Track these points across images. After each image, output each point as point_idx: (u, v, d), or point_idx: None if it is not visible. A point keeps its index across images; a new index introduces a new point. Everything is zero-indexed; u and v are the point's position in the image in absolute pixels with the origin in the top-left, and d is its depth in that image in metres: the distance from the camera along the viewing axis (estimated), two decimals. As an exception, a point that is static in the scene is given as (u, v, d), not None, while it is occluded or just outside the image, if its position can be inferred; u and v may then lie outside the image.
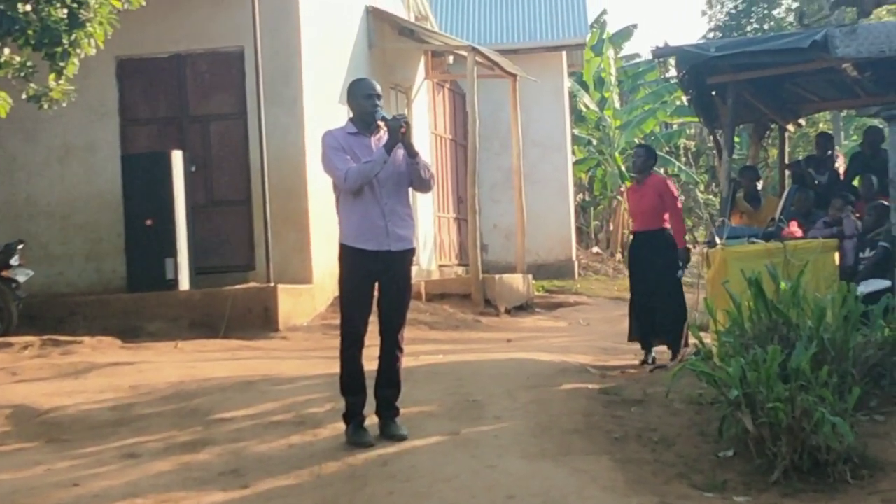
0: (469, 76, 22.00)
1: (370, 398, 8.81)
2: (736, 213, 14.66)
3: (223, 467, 8.30)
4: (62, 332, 15.69)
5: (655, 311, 12.82)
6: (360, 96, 8.76)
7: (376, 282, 8.68)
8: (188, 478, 8.07)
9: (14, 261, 15.65)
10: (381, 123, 8.64)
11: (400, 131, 8.50)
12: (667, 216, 12.96)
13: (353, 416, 8.74)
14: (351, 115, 8.94)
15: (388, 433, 8.66)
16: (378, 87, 8.85)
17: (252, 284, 17.52)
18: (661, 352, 13.05)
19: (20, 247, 15.88)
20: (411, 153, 8.63)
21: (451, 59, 25.33)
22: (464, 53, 22.42)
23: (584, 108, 34.74)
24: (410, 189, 8.89)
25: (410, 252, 8.80)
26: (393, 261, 8.65)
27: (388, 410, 8.78)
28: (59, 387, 11.57)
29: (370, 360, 8.78)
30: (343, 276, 8.81)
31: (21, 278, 15.74)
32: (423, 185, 8.82)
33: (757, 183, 15.73)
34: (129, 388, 11.24)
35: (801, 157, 19.48)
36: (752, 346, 8.42)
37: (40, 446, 9.35)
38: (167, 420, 9.89)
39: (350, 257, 8.71)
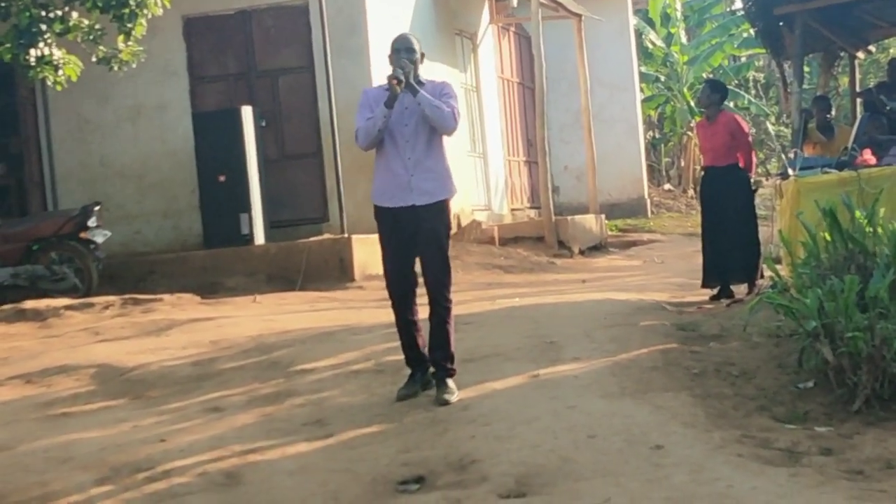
0: (533, 18, 21.91)
1: None
2: (809, 144, 14.55)
3: (306, 418, 8.38)
4: (142, 291, 15.86)
5: (729, 247, 12.77)
6: (392, 51, 8.58)
7: (412, 237, 8.50)
8: (272, 429, 8.16)
9: (92, 222, 15.81)
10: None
11: (392, 83, 8.31)
12: (738, 153, 12.91)
13: (408, 366, 8.71)
14: None
15: (436, 397, 8.42)
16: (411, 42, 8.60)
17: (326, 236, 17.61)
18: (736, 286, 13.00)
19: (97, 208, 16.03)
20: (413, 94, 8.41)
21: (514, 2, 25.14)
22: (527, -5, 22.33)
23: (650, 45, 34.45)
24: (445, 139, 8.66)
25: (439, 205, 8.54)
26: (419, 216, 8.46)
27: (439, 371, 8.57)
28: (142, 344, 11.72)
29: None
30: (378, 234, 8.70)
31: (99, 239, 15.91)
32: (435, 124, 8.45)
33: (829, 113, 15.58)
34: (210, 344, 11.37)
35: (872, 85, 19.23)
36: (828, 276, 8.38)
37: (126, 403, 9.48)
38: (249, 373, 10.00)
39: (379, 215, 8.63)
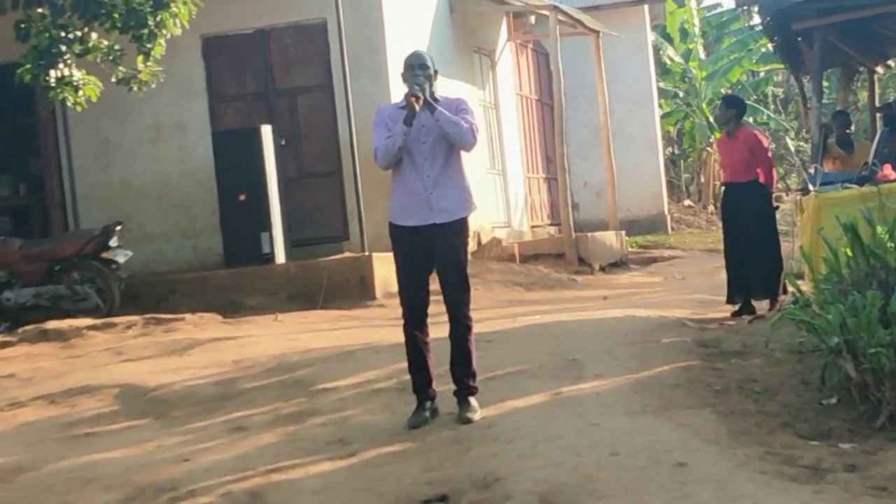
0: (552, 35, 21.92)
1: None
2: (828, 159, 14.53)
3: (329, 437, 8.39)
4: (163, 311, 15.89)
5: (751, 263, 12.76)
6: (405, 69, 8.52)
7: (430, 256, 8.46)
8: (295, 448, 8.17)
9: (113, 242, 15.85)
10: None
11: (411, 101, 8.27)
12: (758, 169, 12.91)
13: (415, 393, 8.58)
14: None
15: (459, 416, 8.38)
16: (425, 59, 8.54)
17: (347, 254, 17.62)
18: (757, 302, 12.99)
19: (118, 228, 16.07)
20: (431, 111, 8.35)
21: (532, 19, 25.24)
22: (545, 13, 22.35)
23: (668, 61, 34.47)
24: (464, 154, 8.60)
25: (458, 223, 8.50)
26: (439, 234, 8.40)
27: (461, 390, 8.50)
28: (164, 364, 11.76)
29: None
30: (394, 253, 8.66)
31: (121, 259, 15.95)
32: (454, 140, 8.39)
33: (848, 128, 15.56)
34: (232, 363, 11.39)
35: (891, 99, 19.24)
36: (850, 292, 8.36)
37: (149, 423, 9.51)
38: (271, 392, 10.02)
39: (395, 233, 8.59)
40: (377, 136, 8.51)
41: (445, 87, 8.77)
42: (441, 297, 8.58)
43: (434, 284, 8.51)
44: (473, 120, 8.54)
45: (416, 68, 8.46)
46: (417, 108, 8.31)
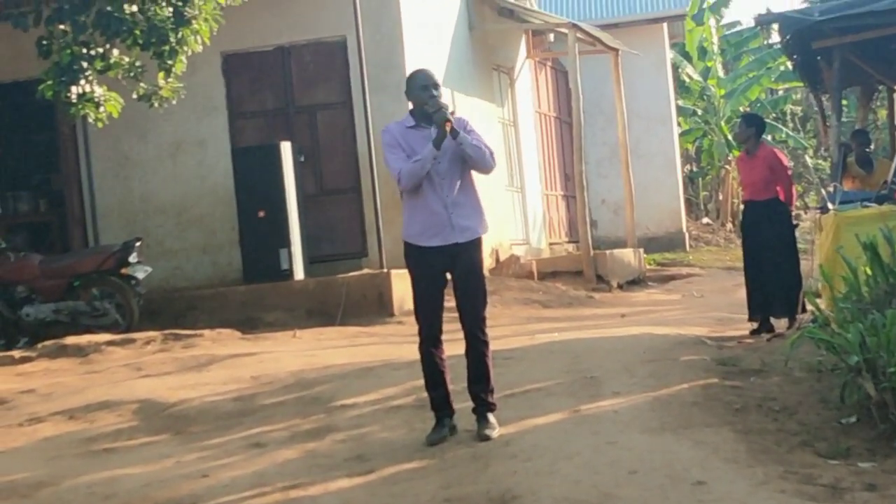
0: (570, 53, 21.98)
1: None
2: (848, 178, 14.51)
3: (348, 453, 8.40)
4: (182, 326, 15.91)
5: (771, 281, 12.76)
6: (417, 88, 8.45)
7: (446, 275, 8.49)
8: (314, 465, 8.18)
9: (133, 258, 15.88)
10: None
11: (445, 125, 8.22)
12: (778, 187, 12.91)
13: (434, 410, 8.58)
14: (411, 107, 8.62)
15: (478, 433, 8.35)
16: (435, 78, 8.52)
17: (366, 271, 17.65)
18: (776, 320, 12.97)
19: (138, 244, 16.09)
20: (454, 136, 8.30)
21: (551, 37, 25.29)
22: (564, 31, 22.39)
23: (687, 79, 34.50)
24: (475, 174, 8.57)
25: (477, 241, 8.52)
26: (460, 252, 8.40)
27: (479, 407, 8.50)
28: (183, 380, 11.77)
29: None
30: (411, 274, 8.63)
31: (140, 275, 15.97)
32: (476, 165, 8.44)
33: (868, 146, 15.54)
34: (250, 379, 11.40)
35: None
36: (870, 310, 8.35)
37: (168, 439, 9.52)
38: (290, 409, 10.02)
39: (416, 255, 8.54)
40: (394, 157, 8.47)
41: (465, 105, 8.77)
42: (456, 315, 8.57)
43: (447, 302, 8.52)
44: (485, 141, 8.58)
45: (431, 87, 8.44)
46: (448, 130, 8.29)
